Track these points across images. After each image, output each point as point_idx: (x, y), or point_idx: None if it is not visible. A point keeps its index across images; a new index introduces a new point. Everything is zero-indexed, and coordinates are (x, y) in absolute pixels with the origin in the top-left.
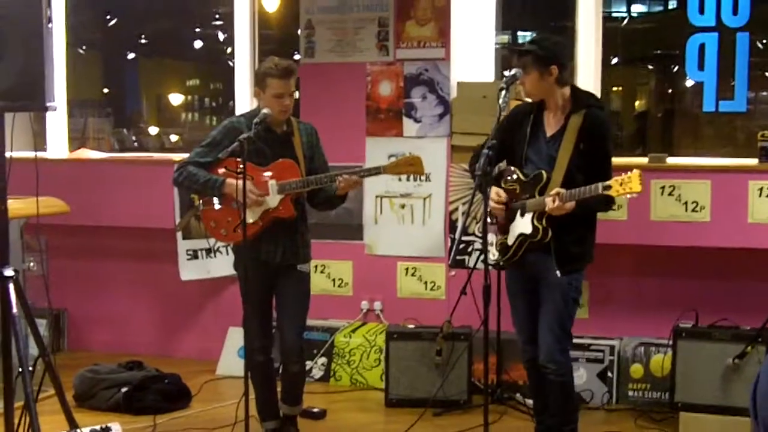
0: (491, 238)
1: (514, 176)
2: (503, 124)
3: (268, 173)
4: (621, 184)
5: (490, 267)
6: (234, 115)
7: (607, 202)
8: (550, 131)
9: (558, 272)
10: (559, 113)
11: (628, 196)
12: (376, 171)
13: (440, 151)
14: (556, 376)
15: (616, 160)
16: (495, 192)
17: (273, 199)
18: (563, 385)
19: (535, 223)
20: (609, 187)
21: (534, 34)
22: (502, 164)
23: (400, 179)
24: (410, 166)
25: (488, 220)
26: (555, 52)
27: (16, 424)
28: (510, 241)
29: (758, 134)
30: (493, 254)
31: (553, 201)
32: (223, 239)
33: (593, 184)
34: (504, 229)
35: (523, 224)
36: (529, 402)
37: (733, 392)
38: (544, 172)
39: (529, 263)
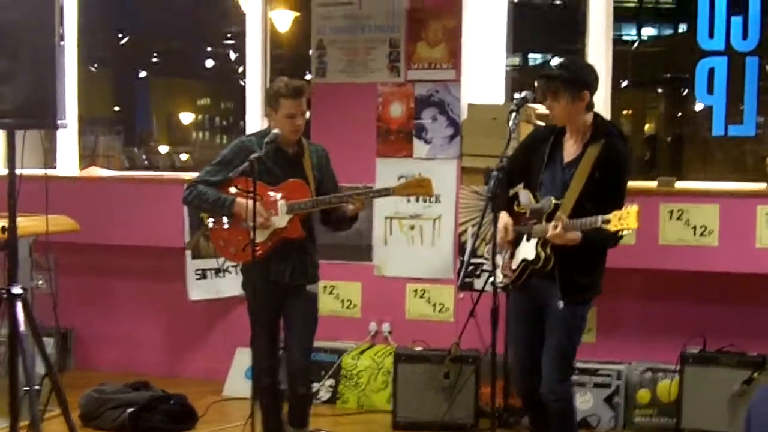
0: (499, 260)
1: (526, 200)
2: (523, 146)
3: (278, 193)
4: (620, 219)
5: (498, 290)
6: (245, 134)
7: (614, 237)
8: (567, 157)
9: (561, 302)
10: (579, 140)
11: (625, 232)
12: (386, 192)
13: (450, 172)
14: (557, 405)
15: None
16: (503, 226)
17: (282, 219)
18: (563, 415)
19: (539, 249)
20: (608, 221)
21: (562, 59)
22: (519, 187)
23: (408, 200)
24: (420, 188)
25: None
26: (587, 77)
27: None
28: (514, 265)
29: (767, 159)
30: (500, 276)
31: (554, 227)
32: (232, 258)
33: (594, 217)
34: (511, 254)
35: (527, 249)
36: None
37: (740, 418)
38: (553, 198)
39: (533, 288)
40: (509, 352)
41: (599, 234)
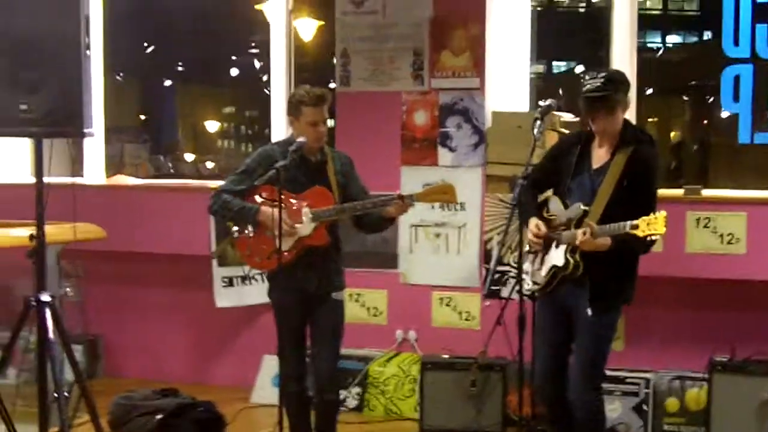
0: (527, 267)
1: (555, 207)
2: (551, 154)
3: (303, 201)
4: (648, 224)
5: (525, 297)
6: (269, 142)
7: (644, 243)
8: (596, 164)
9: (589, 310)
10: (607, 146)
11: (653, 237)
12: (410, 198)
13: (475, 180)
14: (586, 414)
15: None
16: (534, 224)
17: (306, 227)
18: (594, 424)
19: (568, 256)
20: (636, 227)
21: (600, 74)
22: (548, 192)
23: (433, 207)
24: (443, 194)
25: (527, 248)
26: (628, 83)
27: None
28: (543, 272)
29: None
30: (528, 284)
31: (583, 234)
32: (257, 266)
33: (622, 222)
34: (540, 260)
35: (556, 256)
36: None
37: None
38: (582, 205)
39: (561, 295)
40: (535, 360)
41: (628, 239)
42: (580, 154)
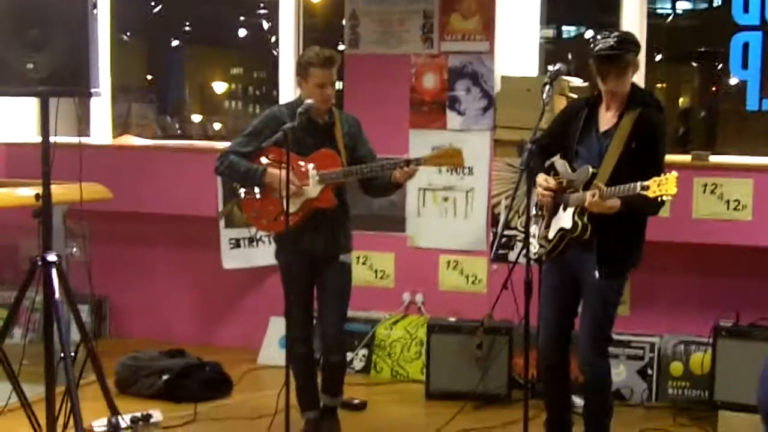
0: (534, 230)
1: (562, 170)
2: (559, 118)
3: (310, 163)
4: (658, 185)
5: (531, 261)
6: (277, 104)
7: (655, 204)
8: (603, 127)
9: (596, 272)
10: (615, 109)
11: (664, 198)
12: (416, 162)
13: (483, 144)
14: (593, 377)
15: None
16: (543, 178)
17: (313, 189)
18: (600, 388)
19: (576, 218)
20: (647, 188)
21: (612, 34)
22: (556, 157)
23: (441, 171)
24: (451, 158)
25: (534, 211)
26: (639, 44)
27: (57, 410)
28: (551, 234)
29: None
30: (535, 246)
31: (593, 195)
32: (263, 228)
33: (632, 183)
34: (547, 223)
35: (564, 218)
36: (579, 401)
37: None
38: (590, 167)
39: (568, 260)
40: (540, 323)
41: (639, 201)
42: (587, 118)
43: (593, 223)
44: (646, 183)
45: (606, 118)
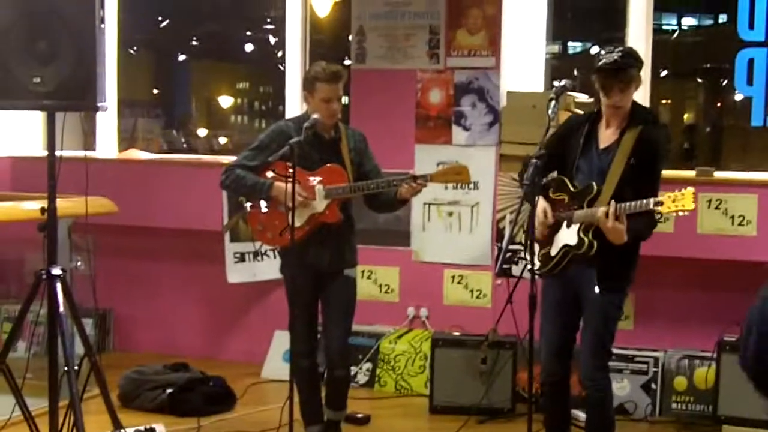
0: (536, 247)
1: (564, 186)
2: (558, 134)
3: (316, 178)
4: (674, 201)
5: (536, 277)
6: (283, 119)
7: (650, 223)
8: (603, 144)
9: (597, 288)
10: (615, 126)
11: (680, 213)
12: (424, 179)
13: (489, 159)
14: (595, 393)
15: (663, 173)
16: (542, 210)
17: (320, 204)
18: (601, 402)
19: (581, 235)
20: (660, 203)
21: (617, 50)
22: (554, 174)
23: (447, 187)
24: (457, 175)
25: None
26: (642, 63)
27: (61, 423)
28: (553, 251)
29: None
30: (536, 264)
31: (606, 215)
32: (269, 242)
33: (644, 200)
34: (548, 241)
35: (568, 235)
36: (573, 412)
37: None
38: (594, 184)
39: (569, 276)
40: (542, 339)
41: (642, 225)
42: (587, 135)
43: (598, 240)
44: (659, 199)
45: (606, 135)
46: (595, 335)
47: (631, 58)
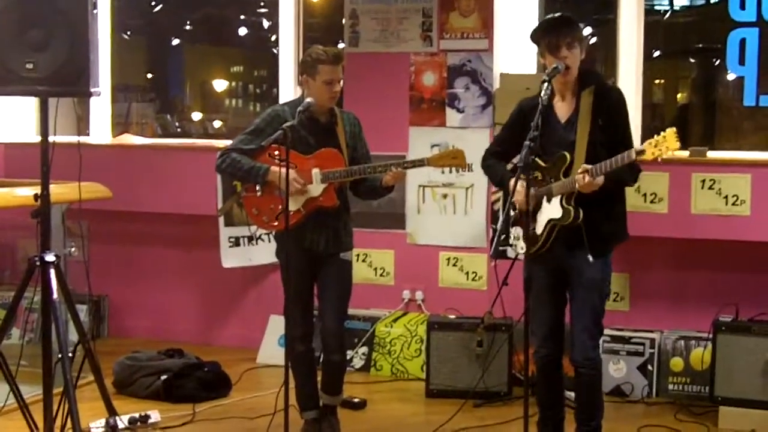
0: (514, 231)
1: (535, 165)
2: (511, 121)
3: (312, 162)
4: (656, 146)
5: (522, 258)
6: (278, 102)
7: (633, 171)
8: (563, 117)
9: (590, 257)
10: (569, 95)
11: (666, 155)
12: (420, 163)
13: (483, 141)
14: (590, 372)
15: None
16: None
17: (316, 188)
18: (595, 381)
19: (564, 205)
20: (642, 152)
21: (557, 14)
22: (515, 159)
23: (442, 171)
24: (453, 159)
25: (512, 213)
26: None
27: (55, 411)
28: (539, 229)
29: None
30: (521, 247)
31: (584, 178)
32: (265, 226)
33: (624, 153)
34: (531, 220)
35: (551, 210)
36: (570, 394)
37: None
38: (566, 153)
39: (557, 257)
40: (533, 321)
41: (620, 170)
42: (545, 113)
43: (582, 206)
44: (640, 147)
45: (563, 108)
46: (591, 317)
47: (574, 20)
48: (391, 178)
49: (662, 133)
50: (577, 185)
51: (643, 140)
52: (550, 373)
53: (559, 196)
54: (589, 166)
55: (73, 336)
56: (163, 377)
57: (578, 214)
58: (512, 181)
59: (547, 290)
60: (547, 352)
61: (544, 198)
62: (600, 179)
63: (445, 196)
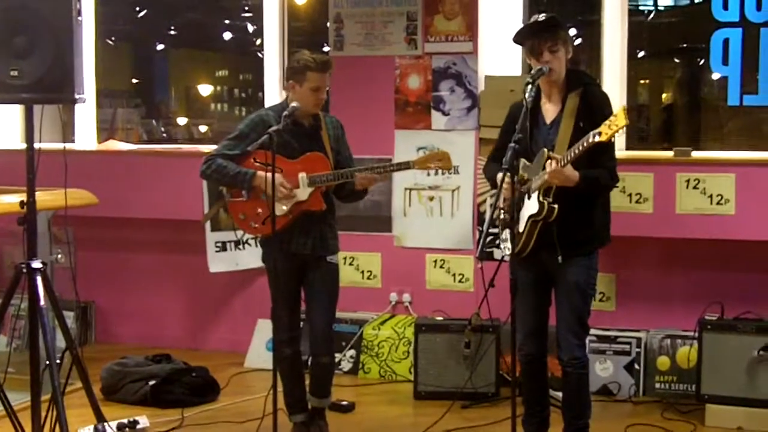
0: (505, 234)
1: (522, 167)
2: (505, 126)
3: (299, 166)
4: (609, 126)
5: (507, 259)
6: (263, 106)
7: (611, 175)
8: (549, 118)
9: (560, 258)
10: (556, 97)
11: (619, 133)
12: (406, 166)
13: (468, 143)
14: (577, 371)
15: (641, 154)
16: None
17: (303, 192)
18: (582, 380)
19: (541, 199)
20: (599, 134)
21: (542, 15)
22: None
23: (428, 173)
24: (439, 161)
25: (502, 215)
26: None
27: (43, 417)
28: (521, 227)
29: None
30: (508, 248)
31: (550, 164)
32: (252, 232)
33: (586, 136)
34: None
35: (530, 205)
36: (557, 394)
37: (759, 384)
38: (545, 149)
39: (541, 260)
40: (517, 322)
41: (596, 173)
42: (532, 115)
43: (558, 202)
44: (597, 130)
45: (549, 109)
46: (576, 316)
47: (555, 20)
48: (360, 183)
49: (614, 113)
50: (547, 176)
51: (627, 140)
52: (535, 372)
53: (536, 192)
54: (556, 155)
55: (61, 342)
56: (151, 383)
57: (552, 210)
58: (498, 178)
59: (531, 290)
60: (529, 351)
61: (526, 196)
62: (570, 171)
63: (431, 198)
